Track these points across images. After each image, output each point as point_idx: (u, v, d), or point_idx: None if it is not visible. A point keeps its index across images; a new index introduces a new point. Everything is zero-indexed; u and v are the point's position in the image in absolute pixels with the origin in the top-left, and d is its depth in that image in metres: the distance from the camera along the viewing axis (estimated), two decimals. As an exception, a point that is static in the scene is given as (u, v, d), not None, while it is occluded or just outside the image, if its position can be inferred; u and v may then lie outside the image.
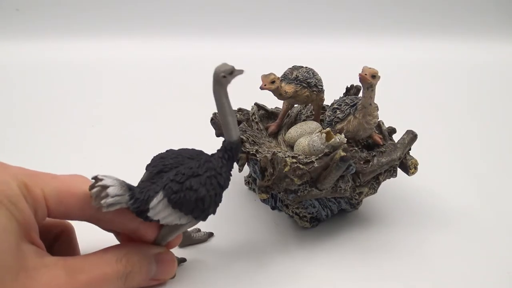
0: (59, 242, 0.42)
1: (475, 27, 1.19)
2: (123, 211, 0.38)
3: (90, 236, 0.42)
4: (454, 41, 1.17)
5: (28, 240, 0.35)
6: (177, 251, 0.47)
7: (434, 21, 1.19)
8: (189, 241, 0.49)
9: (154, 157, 0.41)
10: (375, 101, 0.49)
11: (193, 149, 0.42)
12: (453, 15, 1.20)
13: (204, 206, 0.39)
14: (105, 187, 0.36)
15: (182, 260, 0.46)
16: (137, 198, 0.37)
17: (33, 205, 0.35)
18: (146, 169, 0.41)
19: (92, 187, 0.36)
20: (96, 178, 0.36)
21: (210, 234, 0.50)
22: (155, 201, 0.38)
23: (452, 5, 1.19)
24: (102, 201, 0.36)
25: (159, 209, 0.38)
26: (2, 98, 0.87)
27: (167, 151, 0.42)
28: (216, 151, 0.41)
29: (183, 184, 0.38)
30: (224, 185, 0.40)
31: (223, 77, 0.37)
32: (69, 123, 0.78)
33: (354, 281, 0.45)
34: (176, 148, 0.42)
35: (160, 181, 0.39)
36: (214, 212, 0.41)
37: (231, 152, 0.40)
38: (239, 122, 0.56)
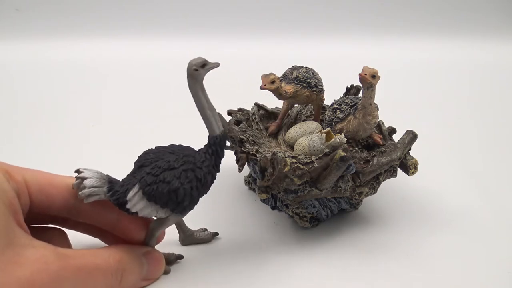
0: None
1: (475, 27, 1.19)
2: (100, 203, 0.40)
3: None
4: (454, 41, 1.17)
5: (15, 222, 0.35)
6: (176, 249, 0.47)
7: (434, 21, 1.19)
8: (192, 240, 0.49)
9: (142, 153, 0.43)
10: (375, 101, 0.49)
11: (180, 145, 0.42)
12: (454, 15, 1.20)
13: (178, 198, 0.39)
14: (83, 179, 0.38)
15: (179, 257, 0.46)
16: (116, 191, 0.39)
17: (15, 189, 0.36)
18: (134, 164, 0.42)
19: (76, 179, 0.39)
20: (77, 171, 0.39)
21: (215, 234, 0.50)
22: (131, 193, 0.39)
23: (453, 5, 1.19)
24: (80, 192, 0.38)
25: (135, 201, 0.39)
26: (1, 98, 0.88)
27: (156, 147, 0.42)
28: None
29: (158, 176, 0.39)
30: (203, 179, 0.40)
31: (195, 70, 0.38)
32: (68, 123, 0.78)
33: (354, 281, 0.45)
34: None
35: (139, 175, 0.40)
36: (191, 206, 0.41)
37: (214, 147, 0.41)
38: (239, 122, 0.56)
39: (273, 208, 0.54)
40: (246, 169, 0.53)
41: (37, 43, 1.07)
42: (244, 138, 0.51)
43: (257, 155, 0.49)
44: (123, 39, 1.10)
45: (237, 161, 0.51)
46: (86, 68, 1.02)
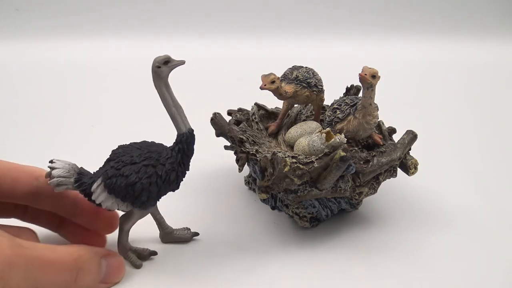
0: None
1: (475, 27, 1.19)
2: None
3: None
4: (454, 41, 1.17)
5: None
6: (176, 246, 0.47)
7: (434, 21, 1.19)
8: (171, 238, 0.49)
9: None
10: (375, 101, 0.49)
11: (153, 142, 0.43)
12: (454, 15, 1.20)
13: (135, 193, 0.40)
14: (53, 169, 0.40)
15: (152, 253, 0.47)
16: (83, 182, 0.41)
17: None
18: None
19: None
20: (51, 161, 0.41)
21: (195, 234, 0.50)
22: (95, 185, 0.40)
23: (453, 5, 1.19)
24: (49, 181, 0.40)
25: (98, 192, 0.40)
26: (1, 98, 0.87)
27: (130, 143, 0.43)
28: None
29: (119, 170, 0.40)
30: (164, 176, 0.40)
31: (158, 67, 0.38)
32: (68, 123, 0.78)
33: (354, 281, 0.45)
34: None
35: (105, 168, 0.41)
36: (150, 201, 0.41)
37: (181, 145, 0.41)
38: (239, 122, 0.56)
39: (273, 208, 0.54)
40: (246, 169, 0.53)
41: (37, 43, 1.07)
42: (244, 138, 0.51)
43: (257, 155, 0.49)
44: (123, 39, 1.10)
45: (237, 161, 0.51)
46: (86, 68, 1.02)
